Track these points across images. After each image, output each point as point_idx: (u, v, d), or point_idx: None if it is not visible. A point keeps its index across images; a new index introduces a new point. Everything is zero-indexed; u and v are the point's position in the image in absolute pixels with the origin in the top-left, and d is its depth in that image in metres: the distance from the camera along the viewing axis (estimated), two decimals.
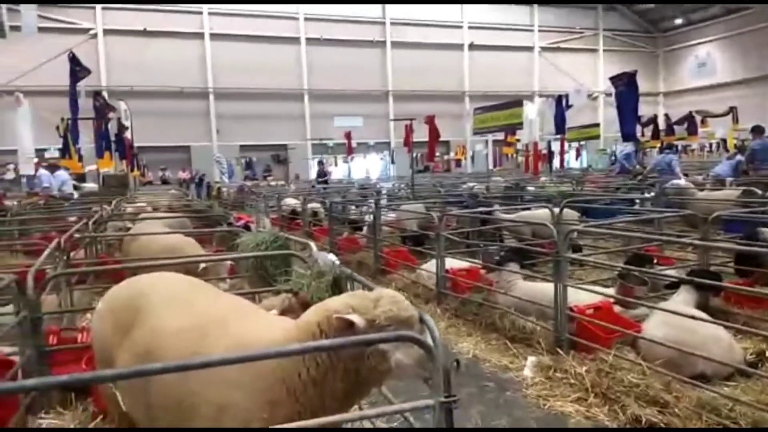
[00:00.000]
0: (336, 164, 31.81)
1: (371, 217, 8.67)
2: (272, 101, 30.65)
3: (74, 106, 12.22)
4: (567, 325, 4.62)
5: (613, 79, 9.25)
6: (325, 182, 20.34)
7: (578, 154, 30.75)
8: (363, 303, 2.00)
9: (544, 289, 5.13)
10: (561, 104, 11.77)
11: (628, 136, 9.89)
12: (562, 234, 4.79)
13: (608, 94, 35.16)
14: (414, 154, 24.91)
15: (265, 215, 10.99)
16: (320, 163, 22.72)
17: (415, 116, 16.90)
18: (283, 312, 3.16)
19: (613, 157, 16.74)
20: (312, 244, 3.58)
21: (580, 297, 4.81)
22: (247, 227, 5.16)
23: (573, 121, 17.34)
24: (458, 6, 34.86)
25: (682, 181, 10.38)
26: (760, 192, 8.74)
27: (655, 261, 5.64)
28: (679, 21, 39.06)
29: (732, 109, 18.89)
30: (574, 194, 10.74)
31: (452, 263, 6.67)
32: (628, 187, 12.23)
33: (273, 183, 24.07)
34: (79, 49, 19.34)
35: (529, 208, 8.95)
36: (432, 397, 1.95)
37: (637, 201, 9.57)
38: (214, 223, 7.89)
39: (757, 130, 12.19)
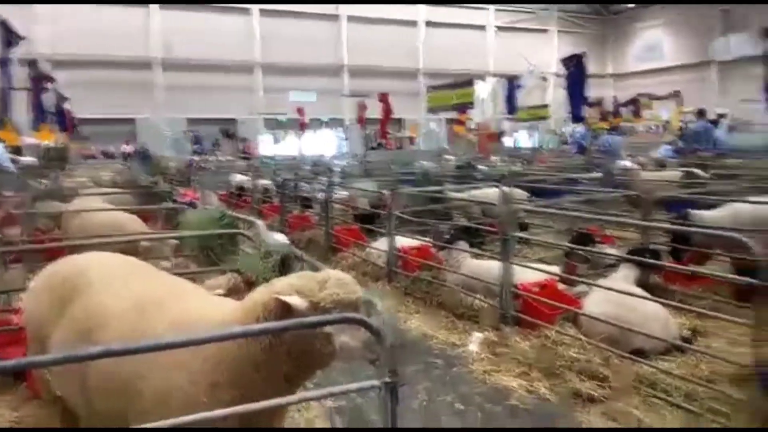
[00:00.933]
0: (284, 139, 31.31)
1: (323, 194, 8.60)
2: (222, 73, 29.86)
3: (6, 74, 11.53)
4: (512, 302, 4.72)
5: (565, 61, 9.41)
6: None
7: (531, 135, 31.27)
8: (308, 285, 1.97)
9: (491, 267, 5.21)
10: (513, 85, 11.89)
11: (576, 117, 10.10)
12: (508, 213, 4.87)
13: (560, 75, 35.93)
14: (367, 131, 24.86)
15: (213, 192, 10.75)
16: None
17: (370, 93, 16.80)
18: (229, 292, 3.11)
19: (565, 137, 17.16)
20: (259, 222, 3.51)
21: (527, 275, 4.92)
22: (192, 204, 5.02)
23: (524, 102, 17.62)
24: None
25: (628, 163, 10.69)
26: (701, 173, 9.10)
27: (597, 240, 5.83)
28: (629, 4, 39.91)
29: (676, 93, 19.55)
30: (522, 174, 10.93)
31: (403, 242, 6.70)
32: (576, 167, 12.54)
33: (222, 158, 23.52)
34: (15, 15, 18.23)
35: (479, 188, 9.07)
36: (377, 378, 1.95)
37: (584, 181, 9.82)
38: (159, 200, 7.66)
39: (701, 113, 12.69)
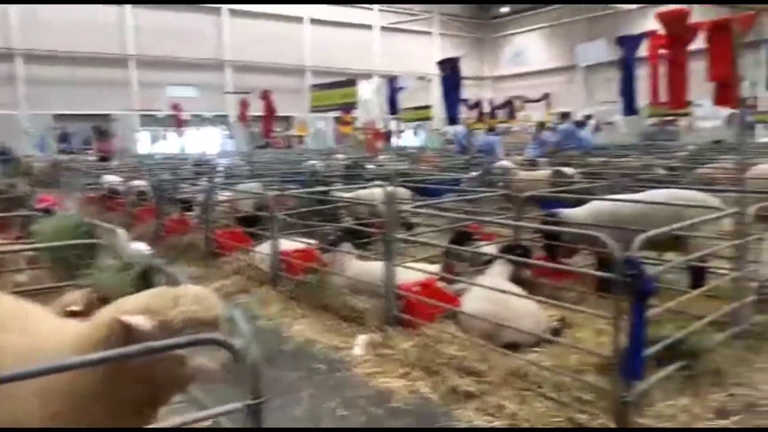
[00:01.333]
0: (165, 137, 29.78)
1: (203, 196, 8.22)
2: (93, 66, 27.74)
3: None
4: (395, 302, 4.76)
5: (440, 64, 9.68)
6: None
7: (415, 133, 32.09)
8: (162, 302, 1.80)
9: (375, 269, 5.22)
10: (393, 85, 12.06)
11: (452, 119, 10.43)
12: (390, 214, 4.90)
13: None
14: (253, 129, 24.22)
15: (78, 195, 9.90)
16: None
17: (254, 89, 16.34)
18: (86, 308, 2.83)
19: (446, 137, 17.80)
20: (120, 231, 3.23)
21: (410, 275, 4.98)
22: (47, 211, 4.55)
23: (409, 102, 18.03)
24: None
25: (506, 162, 11.24)
26: (568, 171, 9.76)
27: (476, 237, 6.04)
28: (505, 9, 42.09)
29: (546, 95, 20.97)
30: (407, 173, 11.13)
31: (288, 244, 6.55)
32: (457, 166, 13.00)
33: (92, 158, 21.87)
34: None
35: (367, 187, 9.12)
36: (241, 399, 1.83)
37: (464, 180, 10.19)
38: (16, 206, 6.90)
39: (565, 115, 13.65)
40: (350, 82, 12.21)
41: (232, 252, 7.39)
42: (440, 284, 4.98)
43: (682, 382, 3.64)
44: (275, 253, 6.32)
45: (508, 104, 17.86)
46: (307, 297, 5.86)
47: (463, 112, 12.34)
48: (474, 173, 9.90)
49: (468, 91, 35.50)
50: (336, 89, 12.51)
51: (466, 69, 38.13)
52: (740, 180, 5.40)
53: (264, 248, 6.74)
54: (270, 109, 14.04)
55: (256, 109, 16.75)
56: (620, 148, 19.05)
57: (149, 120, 29.42)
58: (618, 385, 3.21)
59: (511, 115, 17.96)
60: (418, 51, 38.42)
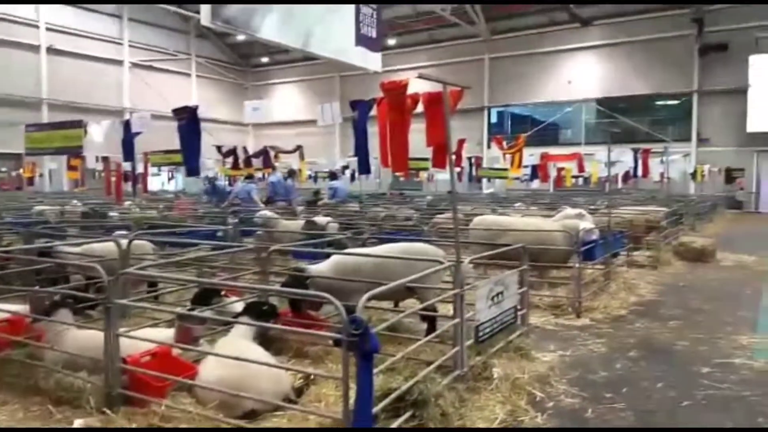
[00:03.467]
0: None
1: None
2: None
3: None
4: (119, 378, 4.17)
5: (176, 112, 9.24)
6: None
7: (171, 177, 30.37)
8: None
9: (98, 340, 4.54)
10: (129, 129, 11.20)
11: (191, 170, 10.02)
12: (115, 275, 4.34)
13: (203, 120, 36.16)
14: None
15: None
16: None
17: None
18: None
19: (206, 182, 17.15)
20: None
21: (141, 344, 4.43)
22: None
23: (158, 146, 16.97)
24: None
25: (267, 212, 11.05)
26: (322, 221, 10.00)
27: (223, 293, 5.70)
28: (265, 59, 42.95)
29: (299, 147, 21.92)
30: (156, 222, 10.33)
31: None
32: (213, 214, 12.51)
33: None
34: None
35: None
36: None
37: (220, 231, 9.79)
38: None
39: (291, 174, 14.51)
40: (75, 123, 10.89)
41: None
42: (176, 352, 4.53)
43: None
44: None
45: (264, 153, 18.03)
46: (11, 377, 4.85)
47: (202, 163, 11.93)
48: (228, 225, 9.55)
49: (228, 137, 35.18)
50: (58, 130, 11.03)
51: (227, 114, 37.96)
52: (462, 230, 6.03)
53: None
54: None
55: None
56: (372, 197, 20.49)
57: None
58: None
59: (267, 164, 18.15)
60: (177, 91, 36.90)
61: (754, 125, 28.13)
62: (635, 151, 22.05)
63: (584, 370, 5.29)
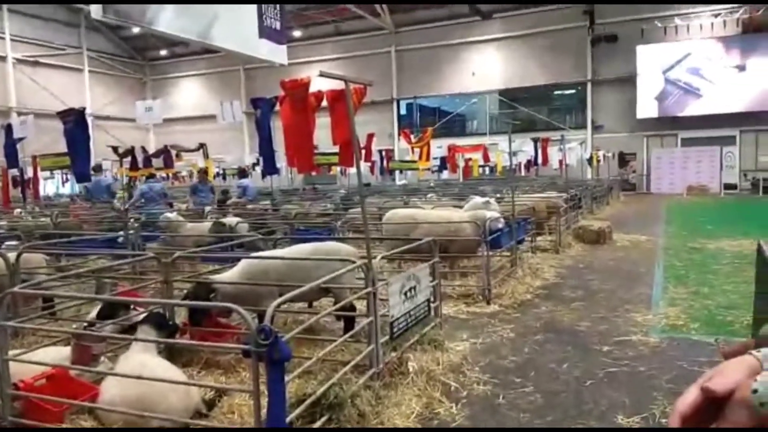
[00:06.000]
0: None
1: None
2: None
3: None
4: (10, 406, 3.84)
5: (61, 115, 8.62)
6: None
7: (66, 180, 28.38)
8: None
9: None
10: (11, 134, 10.33)
11: (81, 176, 9.42)
12: (4, 296, 3.97)
13: (99, 117, 34.07)
14: None
15: None
16: None
17: None
18: None
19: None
20: None
21: (35, 367, 4.09)
22: None
23: (50, 147, 15.77)
24: None
25: (171, 215, 10.52)
26: (233, 221, 9.66)
27: (132, 307, 5.37)
28: (164, 52, 40.98)
29: (202, 146, 21.14)
30: (46, 232, 9.61)
31: None
32: (112, 218, 11.79)
33: None
34: None
35: None
36: None
37: (120, 237, 9.23)
38: None
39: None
40: None
41: None
42: (74, 372, 4.23)
43: None
44: None
45: (164, 152, 17.20)
46: None
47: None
48: (128, 231, 9.01)
49: (128, 135, 33.41)
50: None
51: (126, 111, 35.84)
52: (375, 225, 6.03)
53: None
54: None
55: None
56: (285, 193, 20.17)
57: None
58: None
59: (168, 164, 17.36)
60: (69, 88, 34.49)
61: (642, 111, 30.26)
62: (535, 140, 23.06)
63: (495, 356, 5.48)
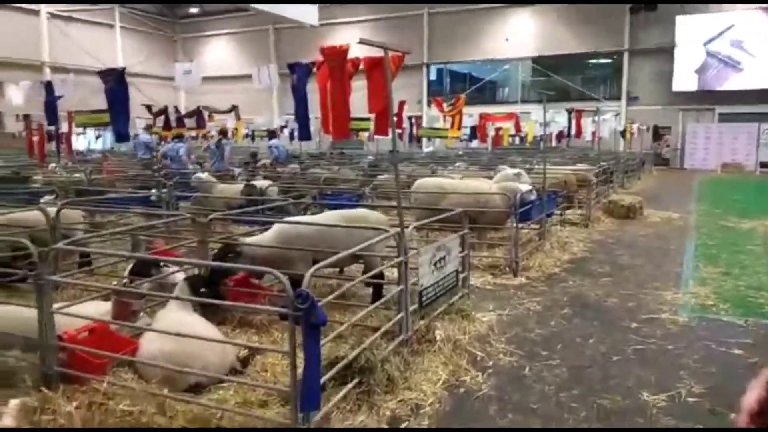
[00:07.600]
0: None
1: None
2: None
3: None
4: (54, 356, 4.02)
5: (102, 74, 8.71)
6: None
7: (99, 136, 28.86)
8: None
9: (27, 316, 4.34)
10: (52, 91, 10.49)
11: (120, 135, 9.56)
12: (47, 247, 4.13)
13: (134, 74, 34.25)
14: None
15: None
16: None
17: None
18: None
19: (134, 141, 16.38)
20: None
21: (77, 319, 4.25)
22: None
23: (83, 103, 15.94)
24: None
25: (202, 174, 10.66)
26: (264, 184, 9.74)
27: (162, 264, 5.51)
28: (194, 10, 40.75)
29: (234, 107, 21.08)
30: (81, 188, 9.84)
31: None
32: (144, 177, 12.01)
33: None
34: None
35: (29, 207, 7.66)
36: None
37: (153, 196, 9.40)
38: None
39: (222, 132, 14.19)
40: None
41: None
42: (114, 327, 4.39)
43: (358, 398, 3.85)
44: None
45: (198, 113, 17.27)
46: None
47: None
48: (163, 189, 9.17)
49: (158, 93, 33.56)
50: None
51: (156, 69, 35.73)
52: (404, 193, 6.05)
53: None
54: None
55: None
56: (312, 157, 20.22)
57: None
58: (295, 417, 3.21)
59: (200, 125, 17.42)
60: (101, 44, 34.69)
61: (679, 84, 29.35)
62: (569, 111, 22.60)
63: (521, 329, 5.52)
